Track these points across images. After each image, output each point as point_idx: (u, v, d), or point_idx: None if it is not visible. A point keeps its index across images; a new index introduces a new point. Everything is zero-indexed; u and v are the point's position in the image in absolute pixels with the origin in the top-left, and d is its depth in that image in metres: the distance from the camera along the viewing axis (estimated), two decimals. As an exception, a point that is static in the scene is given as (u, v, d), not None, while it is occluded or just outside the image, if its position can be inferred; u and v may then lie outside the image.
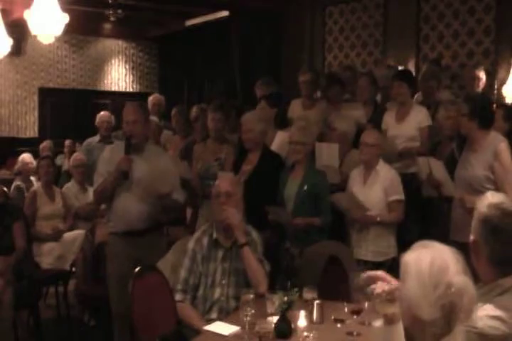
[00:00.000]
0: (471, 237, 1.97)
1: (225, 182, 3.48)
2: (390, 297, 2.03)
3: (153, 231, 4.08)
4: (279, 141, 4.92)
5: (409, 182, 4.36)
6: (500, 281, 1.90)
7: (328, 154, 4.42)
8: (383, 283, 2.11)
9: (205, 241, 3.37)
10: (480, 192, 3.77)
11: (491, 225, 1.91)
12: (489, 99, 4.65)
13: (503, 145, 3.80)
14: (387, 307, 2.07)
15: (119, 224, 4.04)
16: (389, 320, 2.10)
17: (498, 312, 1.81)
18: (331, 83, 5.49)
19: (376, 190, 4.11)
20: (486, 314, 1.80)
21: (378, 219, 4.07)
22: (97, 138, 6.76)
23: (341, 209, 4.18)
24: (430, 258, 1.71)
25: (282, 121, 5.16)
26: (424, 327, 1.70)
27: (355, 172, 4.28)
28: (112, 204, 4.05)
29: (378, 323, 2.17)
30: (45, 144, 8.23)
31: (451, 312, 1.67)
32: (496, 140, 3.85)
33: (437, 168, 4.13)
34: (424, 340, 1.74)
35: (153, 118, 6.29)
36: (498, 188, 3.77)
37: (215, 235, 3.36)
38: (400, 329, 1.96)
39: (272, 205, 4.15)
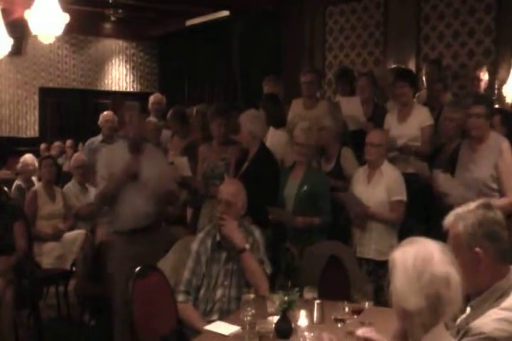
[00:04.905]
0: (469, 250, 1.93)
1: (227, 190, 3.40)
2: None
3: (155, 228, 4.20)
4: (272, 139, 4.92)
5: (411, 183, 4.34)
6: (497, 285, 1.91)
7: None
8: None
9: (209, 242, 3.37)
10: (483, 192, 3.79)
11: (485, 225, 1.92)
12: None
13: (506, 144, 3.90)
14: None
15: (127, 223, 4.08)
16: None
17: (503, 314, 1.82)
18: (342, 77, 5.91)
19: (380, 189, 4.09)
20: (491, 318, 1.81)
21: (372, 210, 4.04)
22: (99, 137, 6.74)
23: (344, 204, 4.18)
24: (415, 251, 1.76)
25: (280, 121, 5.15)
26: (413, 318, 1.74)
27: (360, 172, 4.26)
28: (119, 205, 4.07)
29: None
30: (56, 144, 8.58)
31: (437, 302, 1.71)
32: (499, 139, 3.94)
33: (443, 182, 4.03)
34: (414, 332, 1.77)
35: (152, 118, 6.28)
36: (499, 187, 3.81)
37: (218, 237, 3.36)
38: None
39: (271, 205, 4.14)
